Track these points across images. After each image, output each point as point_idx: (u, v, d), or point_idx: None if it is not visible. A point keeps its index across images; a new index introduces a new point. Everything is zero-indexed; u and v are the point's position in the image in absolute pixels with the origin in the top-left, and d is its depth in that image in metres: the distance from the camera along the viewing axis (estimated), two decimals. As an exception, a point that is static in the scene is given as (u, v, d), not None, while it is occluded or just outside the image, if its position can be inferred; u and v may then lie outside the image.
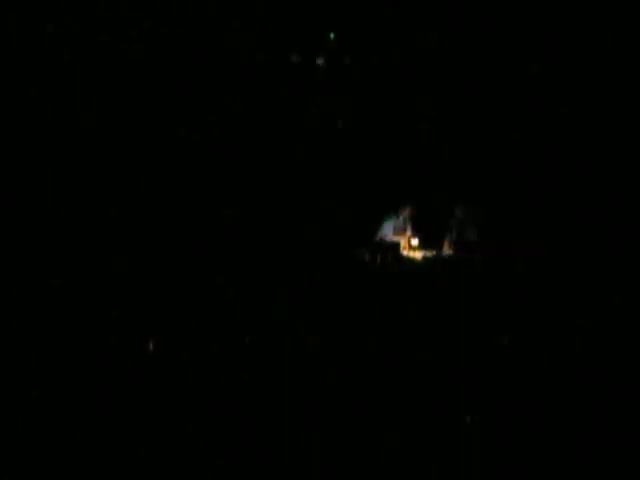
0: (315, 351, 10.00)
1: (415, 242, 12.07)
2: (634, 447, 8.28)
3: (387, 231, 12.15)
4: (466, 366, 9.78)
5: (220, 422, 8.77)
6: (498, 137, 12.17)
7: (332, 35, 12.53)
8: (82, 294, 10.54)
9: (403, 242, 12.03)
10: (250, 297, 10.98)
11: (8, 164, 11.09)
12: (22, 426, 8.41)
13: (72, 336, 9.86)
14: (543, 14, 11.69)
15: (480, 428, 8.72)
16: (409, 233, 12.10)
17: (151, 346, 10.32)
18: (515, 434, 8.60)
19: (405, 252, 12.03)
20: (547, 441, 8.48)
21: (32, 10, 11.17)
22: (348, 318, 10.59)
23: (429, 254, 11.99)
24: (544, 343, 10.18)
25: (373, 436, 8.55)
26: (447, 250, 12.10)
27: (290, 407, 8.95)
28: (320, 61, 12.64)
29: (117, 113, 11.79)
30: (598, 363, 9.64)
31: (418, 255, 11.98)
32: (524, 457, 8.28)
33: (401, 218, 12.16)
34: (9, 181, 11.07)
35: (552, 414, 8.87)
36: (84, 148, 11.63)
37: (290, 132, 12.47)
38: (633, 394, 8.99)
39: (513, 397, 9.19)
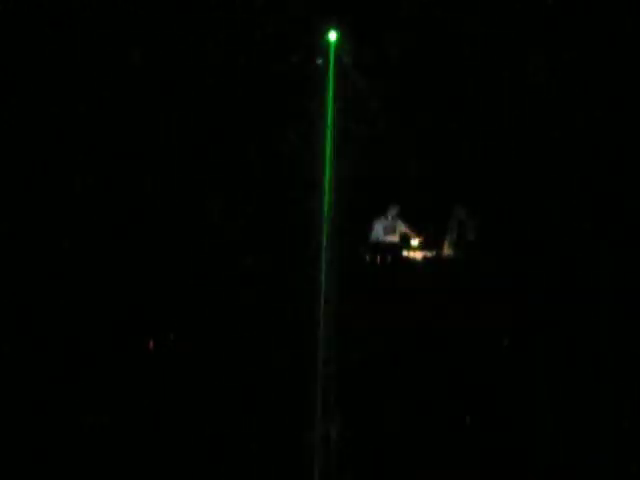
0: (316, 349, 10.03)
1: (415, 242, 12.06)
2: (631, 446, 8.31)
3: (378, 232, 12.18)
4: (466, 366, 9.81)
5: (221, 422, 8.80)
6: (497, 139, 12.18)
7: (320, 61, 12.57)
8: (84, 294, 10.55)
9: (398, 242, 12.03)
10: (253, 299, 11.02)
11: (9, 165, 11.09)
12: (22, 425, 8.42)
13: (74, 336, 9.88)
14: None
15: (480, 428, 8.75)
16: (401, 231, 12.09)
17: (151, 345, 10.36)
18: (514, 433, 8.62)
19: (405, 252, 12.02)
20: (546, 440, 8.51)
21: (33, 12, 11.18)
22: (349, 317, 10.61)
23: (429, 254, 11.97)
24: (544, 343, 10.20)
25: (373, 434, 8.59)
26: (447, 251, 12.09)
27: (290, 402, 9.01)
28: (320, 61, 12.62)
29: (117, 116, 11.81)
30: (597, 363, 9.67)
31: (418, 256, 11.97)
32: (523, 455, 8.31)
33: (390, 218, 12.17)
34: (11, 181, 11.07)
35: (551, 413, 8.89)
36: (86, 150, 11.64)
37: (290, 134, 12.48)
38: (631, 394, 9.02)
39: (512, 397, 9.21)
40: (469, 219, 11.98)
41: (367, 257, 12.02)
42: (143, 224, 11.58)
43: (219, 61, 12.02)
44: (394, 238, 12.07)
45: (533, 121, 11.82)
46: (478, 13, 11.69)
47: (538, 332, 10.31)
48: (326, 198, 12.23)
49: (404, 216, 12.27)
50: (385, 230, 12.15)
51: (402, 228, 12.12)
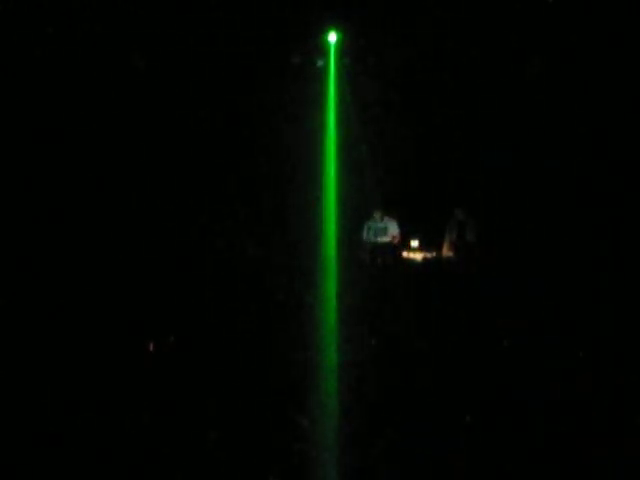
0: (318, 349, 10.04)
1: (415, 243, 12.07)
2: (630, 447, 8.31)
3: (369, 233, 12.23)
4: (467, 367, 9.80)
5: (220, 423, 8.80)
6: (497, 139, 12.18)
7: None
8: (86, 297, 10.55)
9: (390, 242, 12.10)
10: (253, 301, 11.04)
11: (9, 165, 11.10)
12: (23, 426, 8.42)
13: (75, 337, 9.88)
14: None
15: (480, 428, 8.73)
16: (393, 233, 12.12)
17: (151, 347, 10.36)
18: (514, 434, 8.61)
19: (405, 254, 12.03)
20: (546, 440, 8.50)
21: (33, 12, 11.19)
22: (351, 318, 10.60)
23: (429, 256, 11.97)
24: (545, 345, 10.19)
25: (373, 435, 8.59)
26: (447, 252, 12.08)
27: (291, 403, 9.01)
28: (320, 62, 12.65)
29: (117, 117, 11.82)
30: (597, 364, 9.66)
31: (418, 257, 11.97)
32: (523, 456, 8.30)
33: (380, 219, 12.20)
34: (10, 182, 11.08)
35: (551, 414, 8.88)
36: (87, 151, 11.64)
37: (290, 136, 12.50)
38: (630, 395, 9.01)
39: (512, 397, 9.20)
40: (469, 220, 11.98)
41: (367, 259, 12.04)
42: (145, 226, 11.61)
43: (219, 62, 12.07)
44: (385, 239, 12.09)
45: (533, 122, 11.84)
46: (479, 13, 11.72)
47: (538, 333, 10.30)
48: (329, 200, 12.28)
49: (405, 217, 12.31)
50: (376, 232, 12.18)
51: (394, 230, 12.13)
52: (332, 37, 12.51)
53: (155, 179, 11.90)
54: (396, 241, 12.15)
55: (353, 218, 12.40)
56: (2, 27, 10.91)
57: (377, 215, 12.27)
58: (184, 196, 12.03)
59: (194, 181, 12.12)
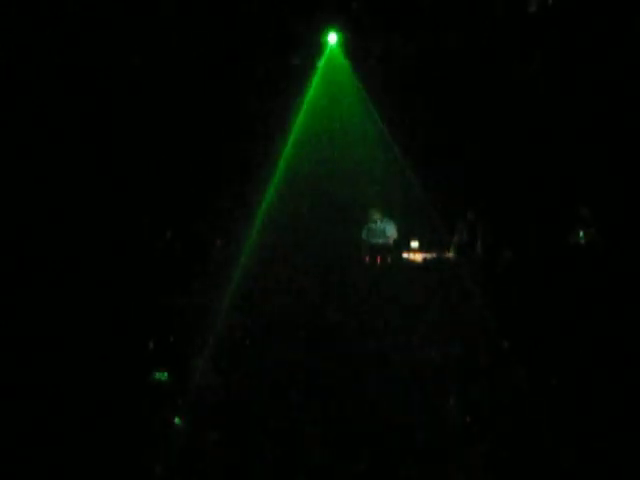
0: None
1: (415, 244, 12.06)
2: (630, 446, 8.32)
3: (368, 235, 12.26)
4: (467, 368, 9.81)
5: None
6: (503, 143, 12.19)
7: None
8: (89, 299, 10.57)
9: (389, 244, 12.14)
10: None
11: (9, 165, 11.11)
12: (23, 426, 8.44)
13: (75, 337, 9.90)
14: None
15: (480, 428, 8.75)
16: (392, 234, 12.14)
17: (151, 346, 10.38)
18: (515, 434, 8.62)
19: (405, 254, 12.03)
20: (546, 440, 8.51)
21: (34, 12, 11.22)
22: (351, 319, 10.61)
23: (429, 256, 11.96)
24: (545, 346, 10.19)
25: (374, 435, 8.61)
26: (454, 253, 12.05)
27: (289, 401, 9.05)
28: (320, 63, 12.68)
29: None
30: (597, 365, 9.66)
31: (418, 257, 11.96)
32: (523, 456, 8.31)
33: (378, 221, 12.23)
34: (10, 182, 11.10)
35: (551, 415, 8.90)
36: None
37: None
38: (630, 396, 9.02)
39: (512, 398, 9.22)
40: (479, 221, 11.93)
41: (367, 258, 12.06)
42: (145, 230, 11.64)
43: (218, 63, 12.10)
44: (382, 241, 12.11)
45: (543, 123, 11.83)
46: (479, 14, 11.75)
47: (538, 335, 10.30)
48: (331, 201, 12.31)
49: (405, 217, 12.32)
50: (375, 233, 12.20)
51: (392, 231, 12.15)
52: (332, 38, 12.53)
53: (154, 180, 11.92)
54: (391, 241, 12.14)
55: (355, 219, 12.41)
56: (2, 27, 10.96)
57: (375, 216, 12.26)
58: (183, 198, 12.05)
59: (192, 183, 12.15)
